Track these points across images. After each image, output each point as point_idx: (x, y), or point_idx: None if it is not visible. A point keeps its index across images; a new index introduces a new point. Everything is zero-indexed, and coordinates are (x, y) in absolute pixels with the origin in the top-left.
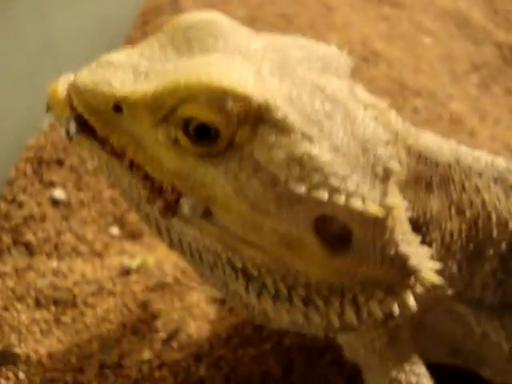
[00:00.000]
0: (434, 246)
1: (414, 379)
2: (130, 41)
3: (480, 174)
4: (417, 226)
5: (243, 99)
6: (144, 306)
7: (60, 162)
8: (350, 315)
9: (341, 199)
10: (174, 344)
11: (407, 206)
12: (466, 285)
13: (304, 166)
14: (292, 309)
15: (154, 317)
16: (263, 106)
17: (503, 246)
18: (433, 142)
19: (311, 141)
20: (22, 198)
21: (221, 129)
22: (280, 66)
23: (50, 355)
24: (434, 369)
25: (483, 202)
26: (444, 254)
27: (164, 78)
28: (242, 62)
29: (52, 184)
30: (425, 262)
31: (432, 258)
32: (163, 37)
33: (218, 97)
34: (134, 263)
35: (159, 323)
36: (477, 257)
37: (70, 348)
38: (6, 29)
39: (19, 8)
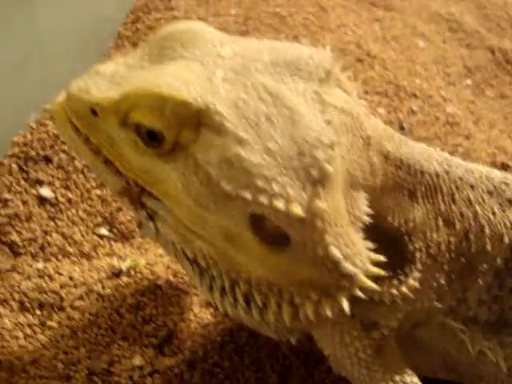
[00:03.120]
0: (418, 255)
1: None
2: (121, 38)
3: (472, 186)
4: (397, 234)
5: (182, 105)
6: (135, 310)
7: (47, 160)
8: (287, 315)
9: (264, 200)
10: (167, 350)
11: (386, 213)
12: (459, 300)
13: (233, 167)
14: (235, 304)
15: (146, 321)
16: (203, 111)
17: (498, 260)
18: (420, 151)
19: (243, 144)
20: (6, 196)
21: (164, 132)
22: (238, 72)
23: (35, 362)
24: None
25: (475, 215)
26: (430, 264)
27: (126, 86)
28: (195, 69)
29: (39, 182)
30: (366, 266)
31: (409, 267)
32: (146, 46)
33: (159, 104)
34: (125, 265)
35: (151, 328)
36: (469, 271)
37: (56, 354)
38: None
39: (8, 5)
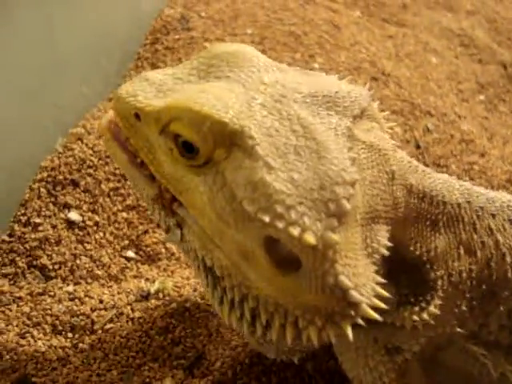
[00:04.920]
0: (439, 283)
1: None
2: (141, 59)
3: (493, 215)
4: (420, 262)
5: (219, 124)
6: (164, 332)
7: (74, 183)
8: (289, 336)
9: (280, 225)
10: (196, 371)
11: (408, 242)
12: (481, 325)
13: (257, 190)
14: (241, 319)
15: (175, 343)
16: (238, 132)
17: None
18: (442, 182)
19: (269, 170)
20: (36, 220)
21: (199, 147)
22: (276, 100)
23: None
24: None
25: (497, 243)
26: (452, 292)
27: (171, 97)
28: (237, 92)
29: (67, 206)
30: (370, 298)
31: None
32: (195, 61)
33: (198, 120)
34: (153, 288)
35: (180, 350)
36: (491, 297)
37: (89, 376)
38: (16, 50)
39: (27, 30)
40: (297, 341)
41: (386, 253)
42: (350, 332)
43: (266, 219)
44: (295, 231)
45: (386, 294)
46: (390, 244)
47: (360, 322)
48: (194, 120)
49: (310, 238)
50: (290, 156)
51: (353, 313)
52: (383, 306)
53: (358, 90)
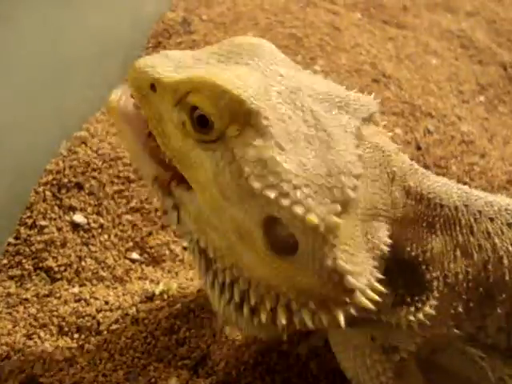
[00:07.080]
0: (435, 284)
1: None
2: None
3: (492, 219)
4: (416, 263)
5: (237, 101)
6: (169, 332)
7: (79, 186)
8: (281, 319)
9: (285, 202)
10: (201, 371)
11: (405, 243)
12: (478, 328)
13: (265, 167)
14: (230, 301)
15: (180, 344)
16: (253, 112)
17: None
18: (441, 185)
19: (281, 150)
20: (42, 222)
21: (214, 121)
22: (291, 91)
23: None
24: None
25: (494, 246)
26: (448, 293)
27: (189, 72)
28: (256, 76)
29: (72, 208)
30: (365, 288)
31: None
32: (216, 47)
33: (217, 94)
34: (158, 289)
35: (185, 350)
36: (488, 300)
37: (95, 377)
38: (20, 55)
39: (33, 32)
40: (290, 324)
41: (386, 249)
42: (342, 319)
43: (272, 195)
44: (299, 210)
45: (381, 288)
46: (389, 241)
47: (352, 311)
48: (214, 93)
49: (313, 218)
50: (300, 143)
51: (347, 300)
52: (377, 298)
53: (367, 97)
